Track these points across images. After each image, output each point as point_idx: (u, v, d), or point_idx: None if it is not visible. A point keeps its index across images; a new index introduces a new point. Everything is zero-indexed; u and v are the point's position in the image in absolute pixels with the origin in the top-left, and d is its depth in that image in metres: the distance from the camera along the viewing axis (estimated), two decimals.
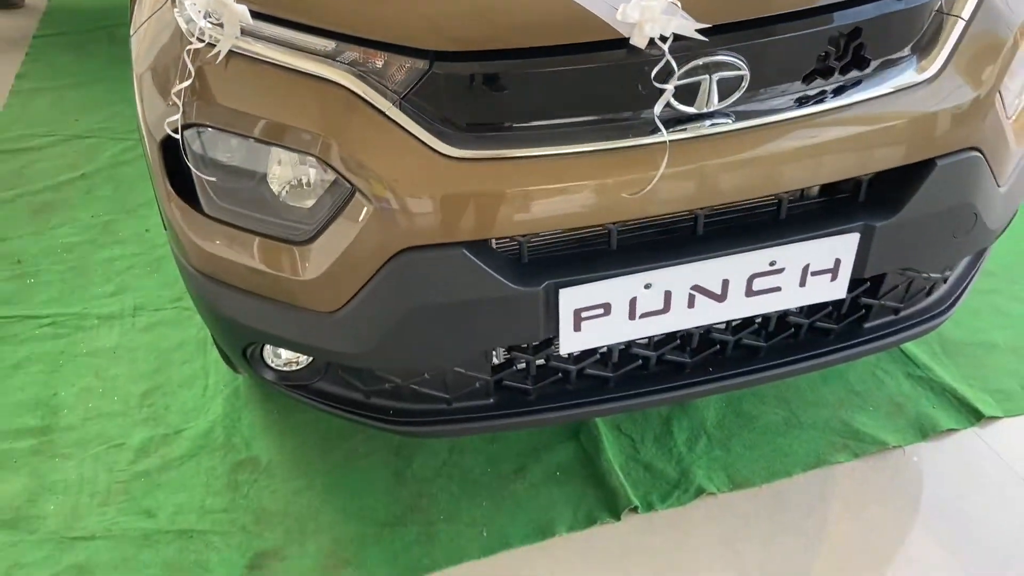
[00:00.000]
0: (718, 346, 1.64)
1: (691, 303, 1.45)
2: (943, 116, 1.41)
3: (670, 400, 1.67)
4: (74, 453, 1.97)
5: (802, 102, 1.36)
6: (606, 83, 1.29)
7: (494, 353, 1.55)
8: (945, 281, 1.76)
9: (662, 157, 1.29)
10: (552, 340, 1.50)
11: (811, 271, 1.47)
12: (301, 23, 1.31)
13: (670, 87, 1.25)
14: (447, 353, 1.46)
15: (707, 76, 1.27)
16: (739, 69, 1.28)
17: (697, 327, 1.54)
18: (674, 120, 1.30)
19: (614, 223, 1.38)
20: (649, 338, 1.57)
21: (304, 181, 1.36)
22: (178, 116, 1.35)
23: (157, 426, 2.03)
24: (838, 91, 1.37)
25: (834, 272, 1.48)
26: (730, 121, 1.32)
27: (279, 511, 1.83)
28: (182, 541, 1.77)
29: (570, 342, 1.45)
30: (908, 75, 1.40)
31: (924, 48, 1.42)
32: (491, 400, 1.59)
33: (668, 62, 1.23)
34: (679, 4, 1.22)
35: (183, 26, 1.38)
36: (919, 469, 1.88)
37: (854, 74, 1.38)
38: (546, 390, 1.61)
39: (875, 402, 2.01)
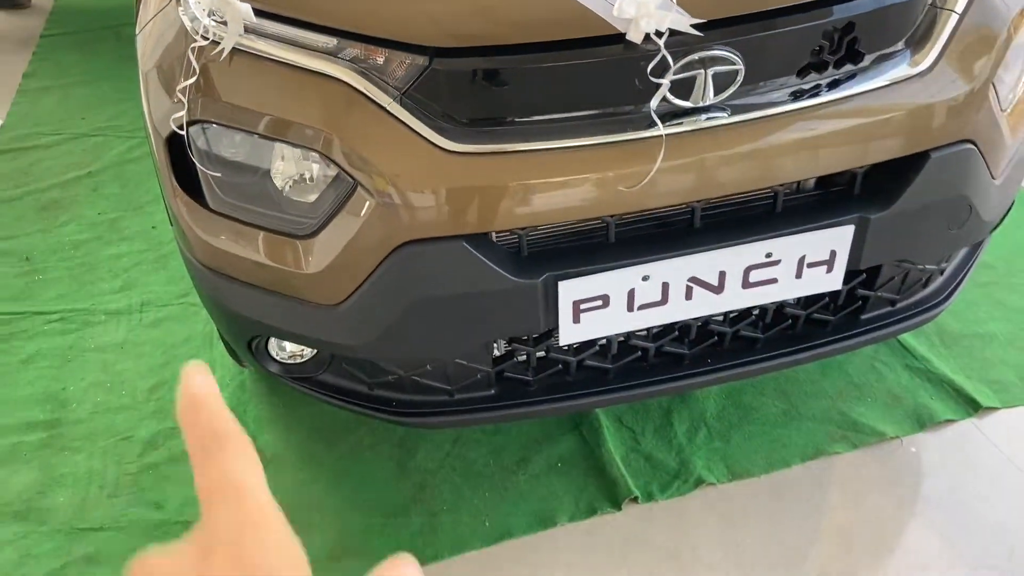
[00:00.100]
0: (716, 338, 1.65)
1: (688, 295, 1.47)
2: (937, 109, 1.42)
3: (669, 391, 1.69)
4: (83, 446, 2.00)
5: (797, 96, 1.38)
6: (603, 78, 1.31)
7: (495, 345, 1.58)
8: (942, 273, 1.78)
9: (659, 151, 1.31)
10: (552, 332, 1.52)
11: (807, 263, 1.48)
12: (303, 20, 1.33)
13: (666, 82, 1.27)
14: (448, 345, 1.48)
15: (702, 70, 1.29)
16: (734, 64, 1.30)
17: (695, 319, 1.56)
18: (670, 114, 1.32)
19: (612, 216, 1.40)
20: (648, 330, 1.59)
21: (307, 176, 1.38)
22: (183, 113, 1.37)
23: (164, 419, 2.05)
24: (832, 85, 1.39)
25: (830, 264, 1.50)
26: (726, 115, 1.34)
27: (285, 503, 1.80)
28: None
29: (569, 334, 1.47)
30: (902, 69, 1.41)
31: (918, 42, 1.44)
32: (492, 391, 1.61)
33: (664, 57, 1.25)
34: (674, 0, 1.24)
35: (187, 24, 1.40)
36: (917, 459, 1.90)
37: (848, 68, 1.40)
38: (546, 381, 1.63)
39: (873, 393, 2.03)
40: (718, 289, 1.48)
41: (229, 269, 1.49)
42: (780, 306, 1.64)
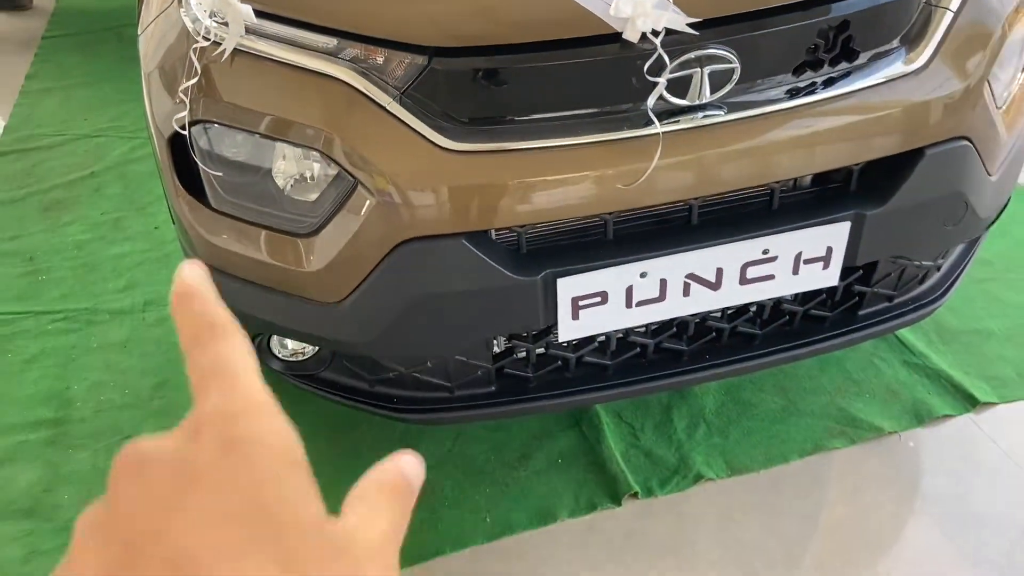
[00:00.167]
0: (714, 334, 1.67)
1: (686, 291, 1.48)
2: (932, 106, 1.43)
3: (667, 387, 1.70)
4: (88, 444, 2.02)
5: (793, 94, 1.39)
6: (600, 77, 1.32)
7: (495, 342, 1.59)
8: (938, 269, 1.79)
9: (656, 149, 1.32)
10: (551, 328, 1.53)
11: (803, 259, 1.50)
12: (303, 21, 1.34)
13: (662, 80, 1.29)
14: (449, 341, 1.50)
15: (699, 69, 1.31)
16: (730, 62, 1.31)
17: (693, 315, 1.58)
18: (667, 112, 1.34)
19: (610, 213, 1.41)
20: (646, 326, 1.60)
21: (308, 175, 1.39)
22: (185, 113, 1.39)
23: (168, 418, 2.07)
24: (828, 83, 1.41)
25: (826, 260, 1.51)
26: (722, 113, 1.36)
27: None
28: None
29: (568, 330, 1.48)
30: (897, 66, 1.43)
31: (913, 40, 1.45)
32: (492, 388, 1.62)
33: (660, 56, 1.26)
34: None
35: (189, 25, 1.42)
36: (915, 455, 1.91)
37: (843, 66, 1.41)
38: (546, 378, 1.64)
39: (872, 389, 2.04)
40: (715, 285, 1.49)
41: (231, 268, 1.50)
42: (778, 302, 1.65)
